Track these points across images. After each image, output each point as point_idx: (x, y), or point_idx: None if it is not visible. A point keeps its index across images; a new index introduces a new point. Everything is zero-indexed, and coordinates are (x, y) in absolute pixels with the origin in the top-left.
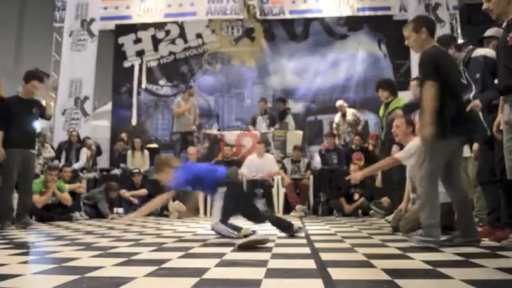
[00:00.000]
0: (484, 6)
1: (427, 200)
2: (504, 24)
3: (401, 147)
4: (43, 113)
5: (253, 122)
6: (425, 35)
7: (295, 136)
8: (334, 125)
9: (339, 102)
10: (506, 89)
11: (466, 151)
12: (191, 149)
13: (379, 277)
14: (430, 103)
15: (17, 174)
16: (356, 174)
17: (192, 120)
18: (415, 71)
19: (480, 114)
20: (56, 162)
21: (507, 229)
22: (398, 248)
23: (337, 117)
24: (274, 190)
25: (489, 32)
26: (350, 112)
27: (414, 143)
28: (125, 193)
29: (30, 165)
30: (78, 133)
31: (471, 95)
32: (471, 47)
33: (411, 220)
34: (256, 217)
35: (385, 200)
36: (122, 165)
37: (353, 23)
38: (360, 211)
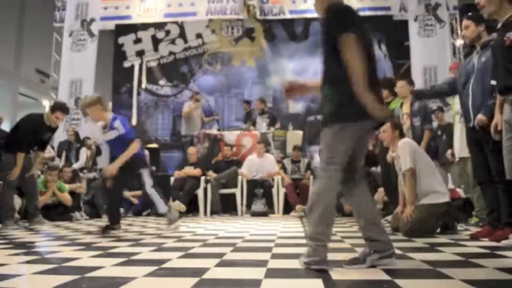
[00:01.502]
0: (476, 0)
1: None
2: (499, 25)
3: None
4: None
5: (253, 122)
6: None
7: (295, 136)
8: None
9: None
10: (506, 90)
11: (465, 151)
12: (191, 149)
13: (379, 277)
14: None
15: (18, 177)
16: (406, 213)
17: (199, 123)
18: (415, 72)
19: (471, 111)
20: (56, 161)
21: (507, 229)
22: (398, 248)
23: None
24: (274, 190)
25: None
26: None
27: (404, 144)
28: (125, 193)
29: (30, 165)
30: (77, 132)
31: (470, 85)
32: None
33: (411, 220)
34: None
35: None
36: None
37: None
38: None
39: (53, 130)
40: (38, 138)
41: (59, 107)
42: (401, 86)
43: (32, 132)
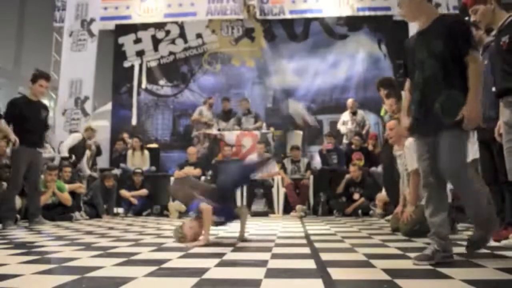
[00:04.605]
0: (472, 19)
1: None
2: (495, 31)
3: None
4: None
5: (239, 123)
6: None
7: (295, 136)
8: (340, 121)
9: (350, 100)
10: (504, 92)
11: (477, 153)
12: (191, 149)
13: (379, 277)
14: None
15: (24, 174)
16: (406, 213)
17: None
18: None
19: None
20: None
21: (510, 229)
22: (398, 248)
23: (346, 115)
24: (274, 190)
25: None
26: (361, 113)
27: (413, 144)
28: (125, 193)
29: (37, 163)
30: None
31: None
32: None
33: (411, 220)
34: None
35: (381, 199)
36: (122, 165)
37: (353, 23)
38: (360, 211)
39: (45, 107)
40: (31, 116)
41: (39, 74)
42: (391, 104)
43: (15, 108)
